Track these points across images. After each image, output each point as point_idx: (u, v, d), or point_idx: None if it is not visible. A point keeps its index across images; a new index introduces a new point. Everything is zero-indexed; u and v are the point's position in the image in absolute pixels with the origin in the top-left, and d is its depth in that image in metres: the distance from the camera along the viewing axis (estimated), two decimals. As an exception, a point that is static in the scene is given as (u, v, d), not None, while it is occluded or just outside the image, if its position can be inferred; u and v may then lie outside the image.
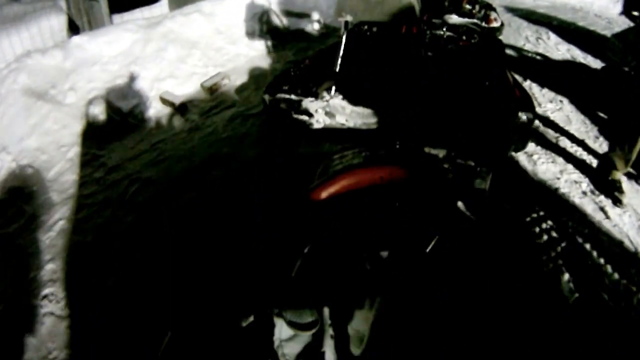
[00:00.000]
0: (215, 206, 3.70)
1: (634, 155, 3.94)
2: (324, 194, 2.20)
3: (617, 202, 3.99)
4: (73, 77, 5.19)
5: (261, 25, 7.03)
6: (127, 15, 7.35)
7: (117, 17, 7.13)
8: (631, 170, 4.19)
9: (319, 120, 3.73)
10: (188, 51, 6.01)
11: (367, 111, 3.68)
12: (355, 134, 3.68)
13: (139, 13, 7.47)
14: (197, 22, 6.57)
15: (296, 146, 4.04)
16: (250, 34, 6.84)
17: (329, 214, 2.18)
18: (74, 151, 4.45)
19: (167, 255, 3.23)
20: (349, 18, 3.88)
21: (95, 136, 4.66)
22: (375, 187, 2.25)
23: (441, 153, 2.80)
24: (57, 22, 6.45)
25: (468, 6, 6.61)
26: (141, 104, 5.15)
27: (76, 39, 5.74)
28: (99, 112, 4.88)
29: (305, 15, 7.67)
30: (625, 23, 8.69)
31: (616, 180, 4.08)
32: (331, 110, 3.72)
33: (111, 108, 4.96)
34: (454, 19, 6.08)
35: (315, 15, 7.75)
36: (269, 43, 6.86)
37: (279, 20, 7.37)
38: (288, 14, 7.57)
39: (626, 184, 4.15)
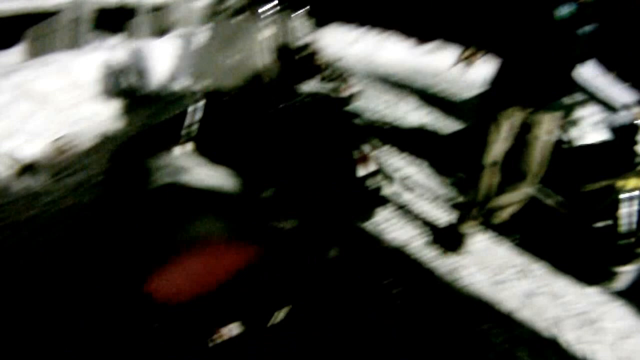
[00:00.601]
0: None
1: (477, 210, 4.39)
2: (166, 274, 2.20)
3: (461, 254, 4.43)
4: None
5: (118, 84, 6.98)
6: (-25, 62, 7.07)
7: (-37, 63, 6.84)
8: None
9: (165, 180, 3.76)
10: (40, 106, 5.83)
11: (218, 181, 3.76)
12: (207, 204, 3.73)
13: (-10, 59, 7.22)
14: (53, 75, 6.39)
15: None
16: (107, 93, 6.76)
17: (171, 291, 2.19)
18: None
19: None
20: (204, 83, 3.96)
21: None
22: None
23: (291, 225, 2.89)
24: None
25: (324, 72, 6.86)
26: (-18, 163, 4.89)
27: None
28: None
29: (162, 77, 7.71)
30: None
31: (463, 234, 4.50)
32: (177, 169, 3.76)
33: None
34: (309, 86, 6.31)
35: (173, 78, 7.80)
36: (125, 103, 6.82)
37: (136, 80, 7.35)
38: (145, 74, 7.57)
39: (479, 241, 4.58)
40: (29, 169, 4.98)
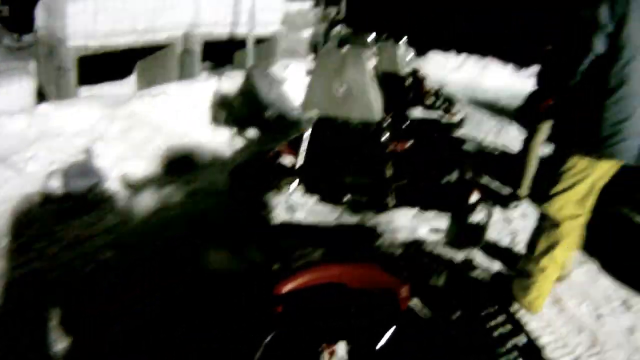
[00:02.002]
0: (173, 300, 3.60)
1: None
2: (285, 289, 2.24)
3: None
4: (36, 146, 5.20)
5: (227, 112, 7.22)
6: (95, 89, 7.43)
7: (85, 90, 7.20)
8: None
9: (279, 215, 3.79)
10: (153, 133, 6.12)
11: (326, 208, 3.76)
12: (314, 230, 3.73)
13: (107, 88, 7.57)
14: (163, 104, 6.72)
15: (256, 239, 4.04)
16: (215, 120, 7.01)
17: (289, 307, 2.21)
18: (30, 222, 4.40)
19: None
20: (314, 113, 3.99)
21: (53, 210, 4.61)
22: (333, 284, 2.30)
23: (398, 251, 2.86)
24: (27, 86, 6.47)
25: (431, 100, 6.87)
26: (102, 183, 5.15)
27: (43, 106, 5.79)
28: (58, 186, 4.87)
29: (271, 106, 7.87)
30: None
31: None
32: (292, 205, 3.78)
33: (72, 183, 4.95)
34: (416, 113, 6.29)
35: (281, 107, 7.94)
36: (234, 131, 7.08)
37: (245, 109, 7.53)
38: (254, 103, 7.79)
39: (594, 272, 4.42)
40: (143, 189, 5.18)
